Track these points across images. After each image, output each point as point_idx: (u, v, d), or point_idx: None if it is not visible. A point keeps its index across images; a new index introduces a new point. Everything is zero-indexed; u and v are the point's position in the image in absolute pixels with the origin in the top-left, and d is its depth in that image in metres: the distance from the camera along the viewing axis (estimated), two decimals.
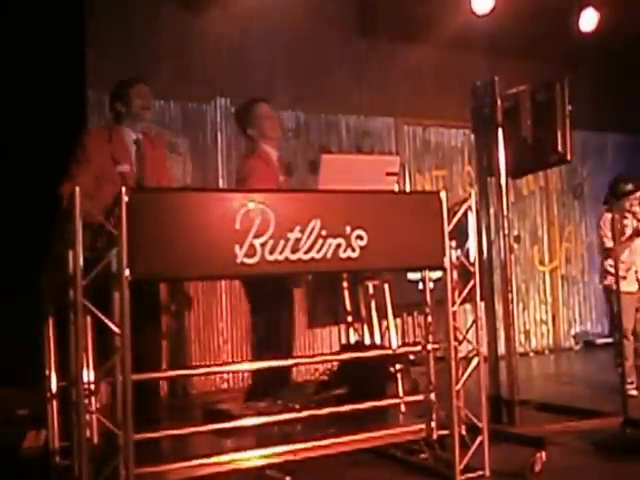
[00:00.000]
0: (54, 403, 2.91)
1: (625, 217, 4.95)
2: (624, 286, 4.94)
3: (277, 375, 3.75)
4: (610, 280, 4.96)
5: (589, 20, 6.26)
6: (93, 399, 2.64)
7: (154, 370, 3.21)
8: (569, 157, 3.77)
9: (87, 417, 2.51)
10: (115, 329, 2.40)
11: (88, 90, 5.31)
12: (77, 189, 2.41)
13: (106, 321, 2.40)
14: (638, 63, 7.35)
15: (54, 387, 2.90)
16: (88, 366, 2.63)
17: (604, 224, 4.96)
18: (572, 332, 7.69)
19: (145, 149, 3.74)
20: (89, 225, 2.67)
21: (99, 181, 3.52)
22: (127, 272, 2.37)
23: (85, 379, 2.51)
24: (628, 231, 4.94)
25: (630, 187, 4.90)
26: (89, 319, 2.52)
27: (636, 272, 5.01)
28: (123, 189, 2.40)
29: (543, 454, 2.97)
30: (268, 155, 4.14)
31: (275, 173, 4.06)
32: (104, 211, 3.28)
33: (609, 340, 7.10)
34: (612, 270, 4.91)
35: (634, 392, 4.73)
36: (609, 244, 4.93)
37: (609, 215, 4.93)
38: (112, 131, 3.72)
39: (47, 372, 2.91)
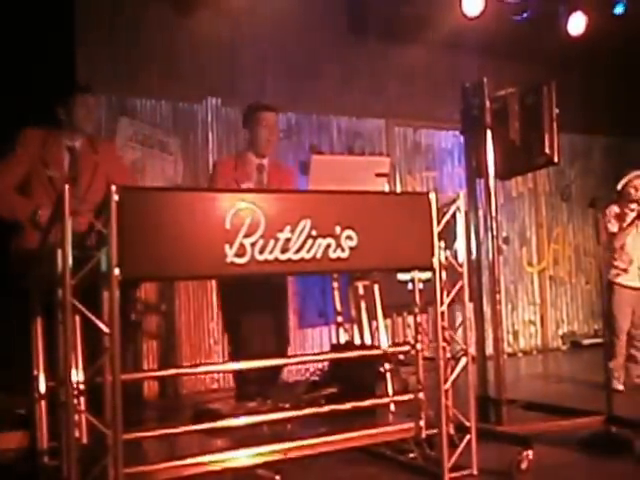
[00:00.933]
0: (42, 403, 2.90)
1: (631, 209, 4.97)
2: (626, 280, 4.99)
3: (266, 375, 3.77)
4: (613, 273, 4.99)
5: (577, 24, 6.32)
6: (82, 399, 2.64)
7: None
8: (556, 159, 3.80)
9: (76, 417, 2.50)
10: (105, 328, 2.39)
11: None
12: (67, 187, 2.39)
13: (95, 321, 2.40)
14: (626, 66, 7.41)
15: (42, 387, 2.90)
16: (77, 366, 2.62)
17: (609, 212, 5.00)
18: (560, 332, 7.74)
19: (84, 155, 3.75)
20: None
21: (29, 181, 3.62)
22: (117, 271, 2.37)
23: (74, 379, 2.50)
24: (628, 219, 4.97)
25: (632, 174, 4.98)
26: (78, 318, 2.51)
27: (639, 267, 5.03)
28: (113, 187, 2.39)
29: (530, 452, 3.00)
30: (245, 159, 4.19)
31: (240, 177, 4.06)
32: (34, 212, 3.45)
33: (596, 340, 7.17)
34: (616, 264, 4.96)
35: (620, 387, 4.78)
36: (612, 229, 4.97)
37: (614, 206, 4.99)
38: (48, 136, 3.72)
39: (35, 372, 2.91)
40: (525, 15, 6.19)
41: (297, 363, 5.02)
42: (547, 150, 3.78)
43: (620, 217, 4.99)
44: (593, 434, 3.44)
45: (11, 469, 3.24)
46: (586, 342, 7.50)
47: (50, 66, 4.72)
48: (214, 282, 5.25)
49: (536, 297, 7.68)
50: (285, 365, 4.48)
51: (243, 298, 3.89)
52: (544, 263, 7.74)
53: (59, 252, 2.39)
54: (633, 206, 4.91)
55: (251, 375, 3.76)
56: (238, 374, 4.12)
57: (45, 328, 2.90)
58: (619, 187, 5.03)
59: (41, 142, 3.68)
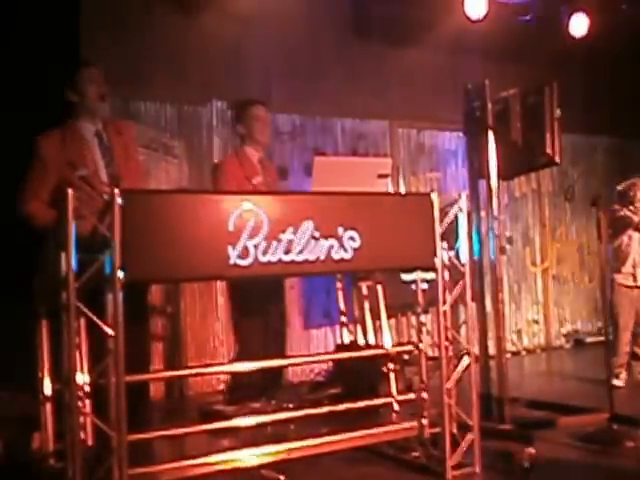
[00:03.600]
0: (47, 405, 2.92)
1: (632, 211, 5.01)
2: (627, 279, 5.02)
3: (269, 376, 3.79)
4: (615, 272, 5.03)
5: (579, 25, 6.32)
6: (87, 401, 2.65)
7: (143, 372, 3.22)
8: (557, 159, 3.83)
9: (81, 419, 2.52)
10: (109, 331, 2.42)
11: None
12: (70, 191, 2.42)
13: (99, 323, 2.42)
14: (628, 67, 7.41)
15: (48, 389, 2.92)
16: (82, 368, 2.64)
17: (611, 213, 5.05)
18: (563, 331, 7.75)
19: (110, 136, 3.50)
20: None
21: (61, 188, 3.13)
22: (120, 274, 2.39)
23: (79, 381, 2.52)
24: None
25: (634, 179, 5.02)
26: (82, 321, 2.54)
27: (634, 267, 5.05)
28: (116, 190, 2.42)
29: (532, 450, 3.02)
30: (246, 155, 4.21)
31: (249, 174, 4.09)
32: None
33: (600, 338, 7.17)
34: (617, 263, 5.00)
35: (620, 383, 4.80)
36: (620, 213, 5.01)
37: (616, 206, 5.04)
38: (66, 132, 3.45)
39: (40, 374, 2.92)
40: (530, 17, 6.21)
41: (301, 364, 5.04)
42: (548, 150, 3.80)
43: (620, 218, 5.03)
44: (595, 431, 3.46)
45: (17, 470, 3.27)
46: (589, 340, 7.53)
47: (55, 69, 4.74)
48: (223, 284, 5.28)
49: (539, 296, 7.69)
50: (288, 366, 4.49)
51: (243, 300, 3.91)
52: (547, 262, 7.75)
53: (63, 255, 2.41)
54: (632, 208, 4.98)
55: (250, 378, 3.77)
56: (236, 376, 4.12)
57: (50, 330, 2.92)
58: (620, 188, 5.06)
59: (59, 143, 3.42)
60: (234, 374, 4.03)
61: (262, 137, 4.22)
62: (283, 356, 4.00)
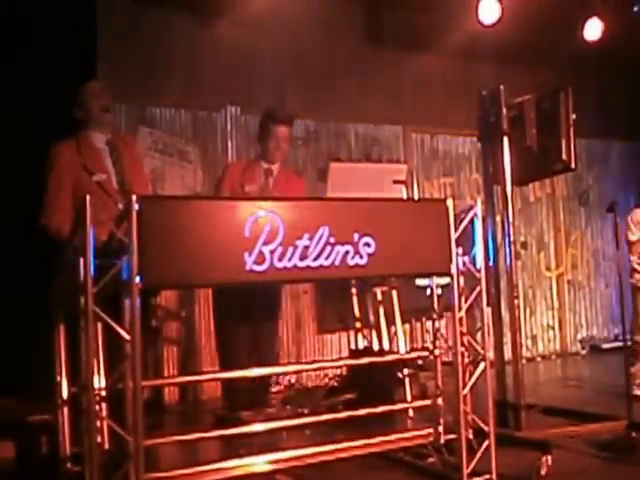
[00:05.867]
0: (65, 409, 2.94)
1: None
2: None
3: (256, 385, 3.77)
4: (637, 278, 4.97)
5: (594, 29, 6.30)
6: (104, 405, 2.67)
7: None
8: (573, 165, 3.81)
9: (98, 423, 2.53)
10: (126, 336, 2.43)
11: None
12: (88, 197, 2.43)
13: (117, 328, 2.43)
14: None
15: (65, 393, 2.93)
16: (99, 372, 2.66)
17: (630, 219, 4.99)
18: (579, 337, 7.70)
19: (121, 149, 3.65)
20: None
21: (77, 195, 3.42)
22: (137, 279, 2.41)
23: (96, 385, 2.54)
24: None
25: None
26: (100, 326, 2.55)
27: None
28: (133, 197, 2.43)
29: (549, 458, 3.00)
30: (255, 164, 4.22)
31: (245, 181, 4.08)
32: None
33: (616, 345, 7.13)
34: (638, 267, 4.95)
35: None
36: (632, 237, 4.95)
37: (638, 210, 4.98)
38: (79, 140, 3.61)
39: (58, 378, 2.94)
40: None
41: (316, 369, 5.03)
42: (564, 156, 3.79)
43: None
44: (613, 440, 3.43)
45: (34, 473, 3.29)
46: (606, 346, 7.48)
47: (71, 78, 4.79)
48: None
49: (554, 301, 7.65)
50: (302, 372, 4.50)
51: (233, 307, 3.87)
52: (562, 268, 7.71)
53: (81, 260, 2.43)
54: None
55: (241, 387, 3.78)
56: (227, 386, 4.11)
57: (68, 335, 2.94)
58: None
59: (74, 150, 3.56)
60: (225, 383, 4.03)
61: (273, 157, 4.18)
62: (300, 362, 4.00)
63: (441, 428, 3.17)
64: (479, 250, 3.15)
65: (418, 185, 6.64)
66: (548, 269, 7.65)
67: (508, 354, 3.98)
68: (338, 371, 4.38)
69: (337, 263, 2.77)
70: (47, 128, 4.13)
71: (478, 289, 3.10)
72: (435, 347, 3.30)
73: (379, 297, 4.09)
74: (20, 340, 4.41)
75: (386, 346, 4.04)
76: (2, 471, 3.36)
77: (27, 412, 3.56)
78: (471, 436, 3.06)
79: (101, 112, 3.63)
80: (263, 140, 4.20)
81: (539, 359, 7.33)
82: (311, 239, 2.73)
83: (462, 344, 3.06)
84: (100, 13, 5.41)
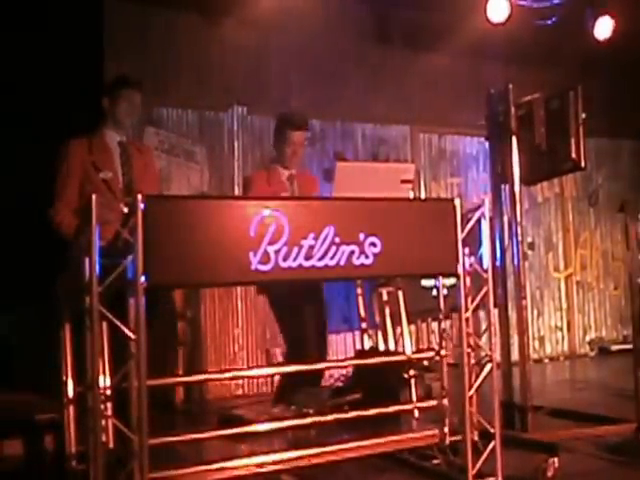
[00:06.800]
0: (71, 408, 2.94)
1: None
2: None
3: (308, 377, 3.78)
4: None
5: (604, 28, 6.25)
6: (109, 404, 2.67)
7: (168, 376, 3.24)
8: (583, 164, 3.79)
9: (103, 422, 2.53)
10: (131, 335, 2.43)
11: None
12: (94, 197, 2.43)
13: (122, 327, 2.43)
14: None
15: (71, 392, 2.94)
16: (104, 371, 2.66)
17: None
18: (587, 338, 7.66)
19: (132, 152, 3.75)
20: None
21: (84, 189, 3.55)
22: (142, 279, 2.40)
23: (101, 384, 2.54)
24: None
25: None
26: (105, 325, 2.55)
27: None
28: (139, 196, 2.43)
29: (556, 460, 2.98)
30: (275, 173, 4.23)
31: (276, 190, 4.09)
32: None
33: (625, 346, 7.07)
34: None
35: None
36: None
37: None
38: (92, 140, 3.71)
39: (64, 377, 2.95)
40: (552, 20, 6.15)
41: (321, 369, 5.02)
42: (573, 155, 3.77)
43: None
44: (622, 442, 3.40)
45: (44, 472, 3.30)
46: (614, 348, 7.43)
47: (79, 77, 4.80)
48: (243, 289, 5.28)
49: (563, 303, 7.61)
50: (318, 371, 4.48)
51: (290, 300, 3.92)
52: (571, 268, 7.67)
53: (86, 260, 2.43)
54: None
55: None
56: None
57: (74, 334, 2.94)
58: None
59: (86, 148, 3.66)
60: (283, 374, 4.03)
61: (290, 163, 4.22)
62: (304, 362, 3.98)
63: (447, 429, 3.14)
64: (486, 250, 3.14)
65: (425, 185, 6.63)
66: (556, 270, 7.61)
67: (515, 355, 3.95)
68: (343, 371, 4.35)
69: (342, 263, 2.76)
70: (55, 128, 4.15)
71: (485, 290, 3.08)
72: (441, 348, 3.28)
73: (385, 297, 4.08)
74: (27, 338, 4.43)
75: (392, 347, 4.02)
76: (11, 469, 3.38)
77: (34, 410, 3.57)
78: (477, 437, 3.04)
79: (126, 117, 3.76)
80: (279, 145, 4.21)
81: (547, 361, 7.29)
82: (316, 239, 2.72)
83: (468, 345, 3.04)
84: (107, 13, 5.42)
